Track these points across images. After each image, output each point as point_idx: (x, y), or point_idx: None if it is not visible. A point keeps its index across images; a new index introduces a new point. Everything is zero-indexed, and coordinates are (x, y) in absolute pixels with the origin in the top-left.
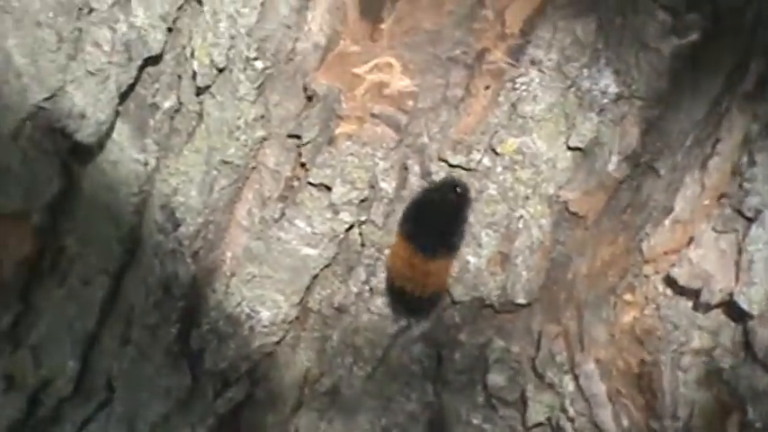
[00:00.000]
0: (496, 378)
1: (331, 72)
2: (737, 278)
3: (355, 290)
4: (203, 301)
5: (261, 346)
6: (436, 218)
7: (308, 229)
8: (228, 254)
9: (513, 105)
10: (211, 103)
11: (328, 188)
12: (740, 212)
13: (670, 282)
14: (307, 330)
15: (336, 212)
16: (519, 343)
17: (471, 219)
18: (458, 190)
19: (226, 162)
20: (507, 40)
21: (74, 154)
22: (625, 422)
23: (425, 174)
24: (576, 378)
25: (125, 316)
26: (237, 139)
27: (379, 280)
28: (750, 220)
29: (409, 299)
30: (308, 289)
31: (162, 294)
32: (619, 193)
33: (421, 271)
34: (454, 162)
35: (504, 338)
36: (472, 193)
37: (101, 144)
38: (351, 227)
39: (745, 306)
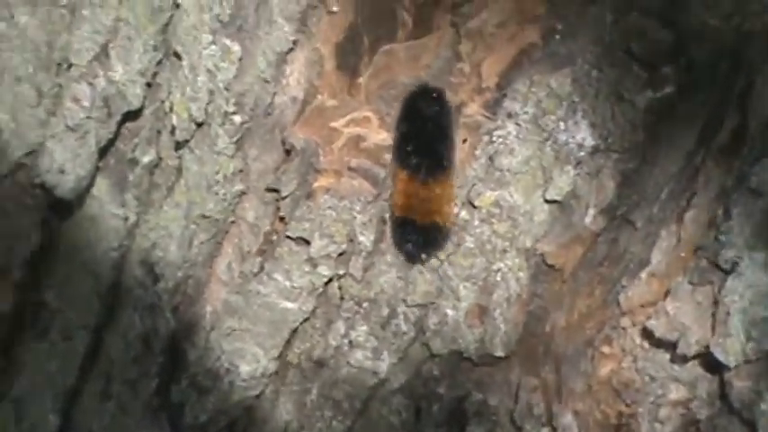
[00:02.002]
0: (475, 431)
1: (309, 126)
2: (714, 330)
3: (334, 343)
4: (183, 355)
5: (241, 399)
6: (425, 138)
7: (287, 283)
8: (208, 308)
9: (491, 158)
10: (190, 157)
11: (307, 242)
12: (716, 265)
13: (647, 334)
14: (286, 384)
15: (315, 266)
16: (497, 395)
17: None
18: (434, 96)
19: (205, 216)
20: (484, 93)
21: (54, 209)
22: None
23: None
24: (554, 430)
25: (106, 371)
26: (216, 194)
27: (358, 333)
28: (726, 273)
29: (413, 230)
30: (288, 343)
31: (142, 349)
32: (595, 246)
33: (421, 197)
34: None
35: (483, 391)
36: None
37: (80, 199)
38: (329, 280)
39: (721, 358)
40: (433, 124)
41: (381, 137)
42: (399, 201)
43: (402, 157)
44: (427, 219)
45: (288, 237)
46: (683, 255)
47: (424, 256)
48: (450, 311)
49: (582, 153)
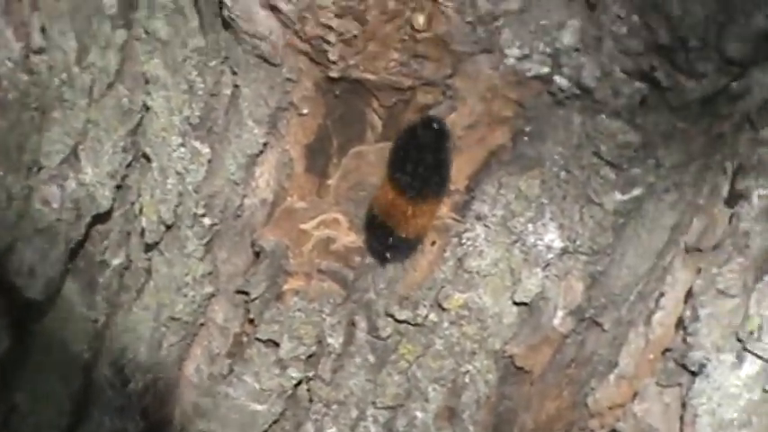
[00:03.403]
0: None
1: (278, 228)
2: None
3: None
4: None
5: None
6: (421, 160)
7: (257, 385)
8: (178, 410)
9: (459, 261)
10: (160, 259)
11: (276, 344)
12: (684, 367)
13: None
14: None
15: (284, 368)
16: None
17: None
18: (435, 127)
19: (174, 319)
20: (453, 195)
21: (24, 311)
22: None
23: (372, 329)
24: None
25: None
26: (186, 296)
27: None
28: (694, 374)
29: (389, 237)
30: None
31: None
32: (564, 348)
33: (406, 212)
34: (401, 317)
35: None
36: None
37: (50, 301)
38: (299, 382)
39: None
40: (432, 149)
41: (351, 239)
42: (383, 208)
43: (396, 171)
44: (406, 233)
45: (257, 339)
46: (651, 357)
47: (389, 259)
48: (419, 413)
49: (550, 255)
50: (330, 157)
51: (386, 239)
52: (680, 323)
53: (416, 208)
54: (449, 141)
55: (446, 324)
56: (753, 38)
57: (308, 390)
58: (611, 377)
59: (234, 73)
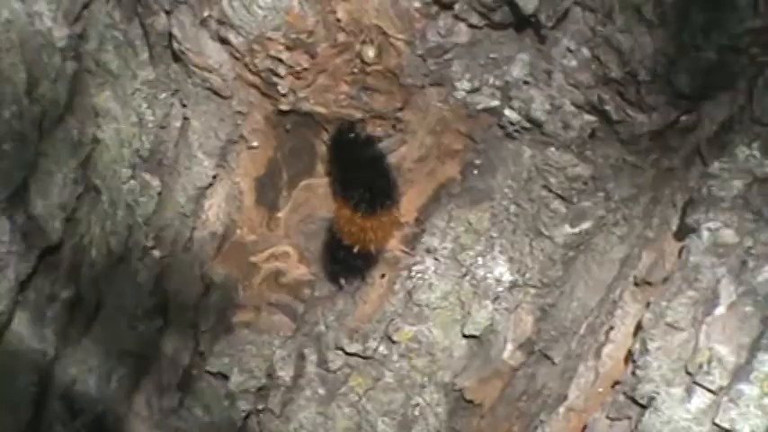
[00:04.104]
0: None
1: (228, 261)
2: None
3: None
4: None
5: None
6: (361, 174)
7: (207, 418)
8: None
9: (409, 293)
10: (110, 292)
11: (226, 377)
12: (633, 400)
13: None
14: None
15: (234, 401)
16: None
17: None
18: (351, 136)
19: (124, 351)
20: (402, 228)
21: None
22: None
23: (322, 362)
24: None
25: None
26: (136, 329)
27: None
28: (643, 408)
29: (351, 256)
30: None
31: None
32: (514, 381)
33: (364, 227)
34: (351, 350)
35: None
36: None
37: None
38: (248, 415)
39: None
40: (363, 160)
41: (301, 271)
42: (340, 228)
43: (342, 192)
44: (363, 247)
45: (207, 371)
46: (600, 390)
47: (345, 281)
48: None
49: (500, 288)
50: (280, 190)
51: (343, 258)
52: (629, 356)
53: (367, 221)
54: (371, 146)
55: (396, 357)
56: (703, 71)
57: (258, 422)
58: (561, 410)
59: (184, 105)
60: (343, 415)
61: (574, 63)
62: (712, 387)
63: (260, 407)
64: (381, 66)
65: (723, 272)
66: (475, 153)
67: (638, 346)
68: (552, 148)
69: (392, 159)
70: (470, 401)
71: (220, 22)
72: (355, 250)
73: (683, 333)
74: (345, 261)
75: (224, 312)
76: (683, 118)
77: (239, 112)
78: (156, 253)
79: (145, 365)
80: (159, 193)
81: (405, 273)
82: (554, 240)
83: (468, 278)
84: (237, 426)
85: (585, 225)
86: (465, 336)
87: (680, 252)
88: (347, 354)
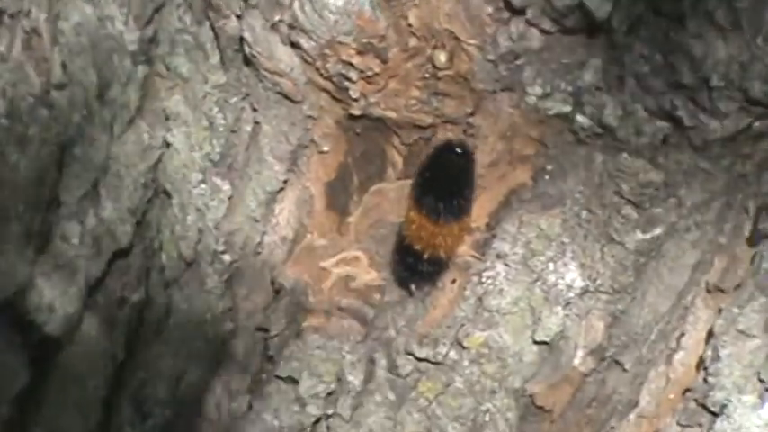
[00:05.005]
0: None
1: (298, 265)
2: None
3: None
4: None
5: None
6: (445, 183)
7: (276, 423)
8: None
9: (480, 299)
10: (179, 296)
11: (295, 381)
12: (705, 407)
13: None
14: None
15: (303, 405)
16: None
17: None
18: (458, 151)
19: (194, 355)
20: (473, 233)
21: (43, 346)
22: None
23: (392, 367)
24: None
25: None
26: (206, 332)
27: None
28: (715, 415)
29: (422, 261)
30: None
31: None
32: (584, 387)
33: (433, 234)
34: (421, 355)
35: None
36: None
37: (69, 336)
38: (318, 420)
39: None
40: (456, 170)
41: (371, 276)
42: (411, 233)
43: (420, 196)
44: (433, 253)
45: (276, 376)
46: (671, 396)
47: (415, 287)
48: None
49: (571, 294)
50: (351, 195)
51: (414, 263)
52: (701, 363)
53: (442, 229)
54: (472, 164)
55: (466, 362)
56: None
57: (328, 427)
58: (632, 416)
59: (254, 110)
60: (413, 420)
61: (646, 69)
62: None
63: (329, 412)
64: (453, 71)
65: None
66: (546, 159)
67: (709, 352)
68: (624, 154)
69: None
70: (540, 407)
71: (291, 27)
72: (426, 256)
73: (756, 340)
74: (416, 266)
75: (294, 317)
76: (756, 124)
77: (310, 117)
78: (227, 257)
79: (215, 369)
80: (230, 198)
81: (475, 278)
82: (625, 246)
83: (538, 284)
84: (307, 431)
85: (657, 231)
86: (535, 342)
87: (752, 258)
88: (417, 359)
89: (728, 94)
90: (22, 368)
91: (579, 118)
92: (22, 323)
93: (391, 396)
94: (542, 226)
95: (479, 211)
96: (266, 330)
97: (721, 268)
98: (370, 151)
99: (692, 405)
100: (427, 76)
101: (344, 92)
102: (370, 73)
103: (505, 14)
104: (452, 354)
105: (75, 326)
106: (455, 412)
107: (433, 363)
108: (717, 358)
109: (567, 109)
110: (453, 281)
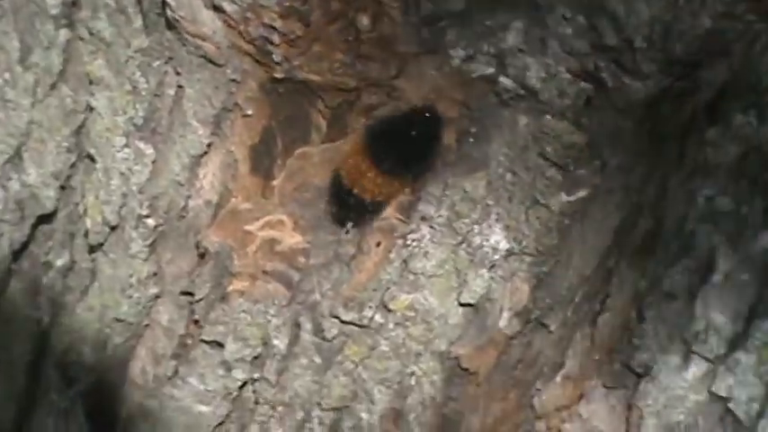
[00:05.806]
0: None
1: (223, 229)
2: None
3: None
4: None
5: None
6: (404, 141)
7: (202, 387)
8: (123, 412)
9: (405, 262)
10: (104, 260)
11: (221, 345)
12: (630, 368)
13: None
14: None
15: (229, 370)
16: None
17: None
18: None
19: (119, 320)
20: (398, 196)
21: None
22: None
23: (318, 331)
24: None
25: None
26: (130, 297)
27: None
28: (639, 376)
29: (360, 203)
30: None
31: None
32: (510, 349)
33: (377, 182)
34: (346, 318)
35: None
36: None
37: None
38: (244, 384)
39: None
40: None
41: (296, 240)
42: (353, 179)
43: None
44: (372, 198)
45: (202, 340)
46: (597, 358)
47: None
48: (364, 415)
49: (496, 256)
50: (275, 159)
51: (354, 203)
52: (626, 325)
53: (386, 180)
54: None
55: (392, 325)
56: (698, 38)
57: (254, 391)
58: (558, 378)
59: (178, 73)
60: (339, 383)
61: (569, 30)
62: (709, 355)
63: (255, 376)
64: (376, 34)
65: (719, 240)
66: (470, 121)
67: (634, 314)
68: (548, 116)
69: None
70: (466, 370)
71: None
72: (366, 198)
73: (680, 301)
74: (354, 206)
75: (219, 281)
76: (677, 84)
77: (233, 80)
78: (151, 221)
79: (140, 334)
80: (153, 162)
81: (400, 241)
82: (550, 208)
83: (464, 246)
84: (233, 395)
85: (581, 193)
86: (461, 304)
87: (676, 220)
88: (343, 322)
89: (651, 56)
90: None
91: (502, 80)
92: None
93: (317, 360)
94: (467, 188)
95: None
96: (191, 294)
97: (645, 230)
98: (294, 115)
99: (618, 366)
100: (350, 39)
101: (268, 55)
102: (292, 36)
103: None
104: (378, 317)
105: (0, 291)
106: (381, 375)
107: (358, 326)
108: (642, 319)
109: (491, 71)
110: (378, 244)
